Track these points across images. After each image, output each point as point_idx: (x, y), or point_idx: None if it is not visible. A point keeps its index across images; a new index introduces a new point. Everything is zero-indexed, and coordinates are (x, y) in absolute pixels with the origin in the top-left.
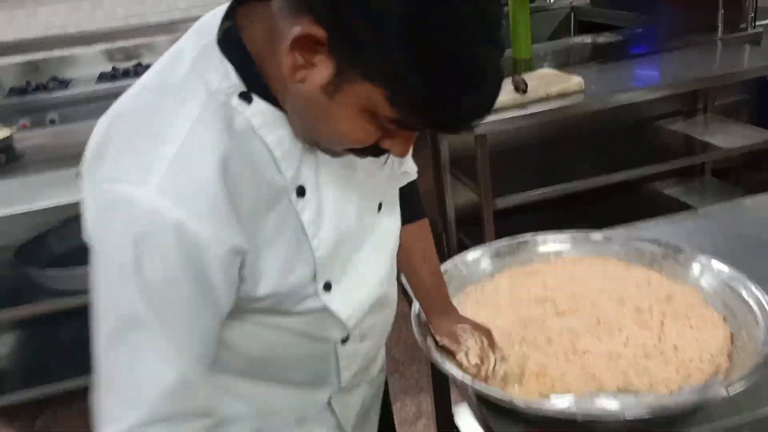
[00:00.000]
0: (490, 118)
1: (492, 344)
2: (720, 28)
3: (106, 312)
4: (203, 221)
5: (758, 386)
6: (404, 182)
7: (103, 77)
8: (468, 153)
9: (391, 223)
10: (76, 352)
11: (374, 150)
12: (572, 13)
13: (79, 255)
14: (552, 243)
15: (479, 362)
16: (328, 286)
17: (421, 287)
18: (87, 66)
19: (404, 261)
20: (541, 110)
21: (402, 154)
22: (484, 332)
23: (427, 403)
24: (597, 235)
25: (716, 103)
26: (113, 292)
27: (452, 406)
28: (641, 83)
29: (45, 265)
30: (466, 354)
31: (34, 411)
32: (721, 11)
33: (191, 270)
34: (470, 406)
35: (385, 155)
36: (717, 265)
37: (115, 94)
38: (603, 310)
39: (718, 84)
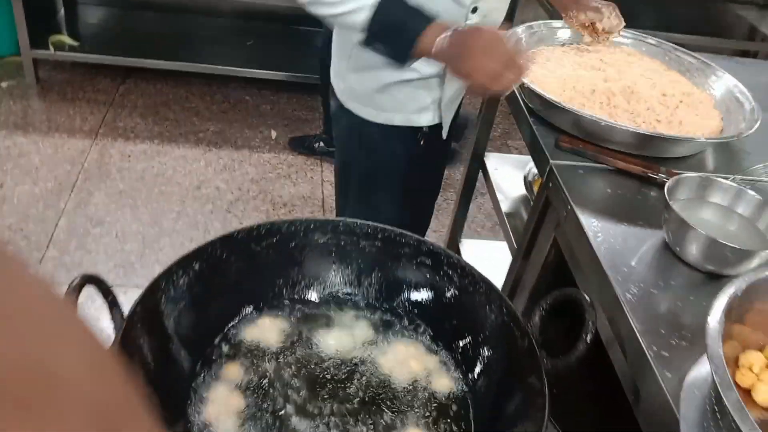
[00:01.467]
0: None
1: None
2: None
3: None
4: None
5: (733, 155)
6: None
7: None
8: None
9: None
10: (161, 38)
11: None
12: None
13: None
14: (617, 36)
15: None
16: None
17: None
18: None
19: None
20: None
21: None
22: (611, 4)
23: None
24: (652, 39)
25: None
26: None
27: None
28: None
29: None
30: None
31: (119, 77)
32: None
33: None
34: (519, 120)
35: None
36: (731, 80)
37: None
38: (638, 86)
39: None
